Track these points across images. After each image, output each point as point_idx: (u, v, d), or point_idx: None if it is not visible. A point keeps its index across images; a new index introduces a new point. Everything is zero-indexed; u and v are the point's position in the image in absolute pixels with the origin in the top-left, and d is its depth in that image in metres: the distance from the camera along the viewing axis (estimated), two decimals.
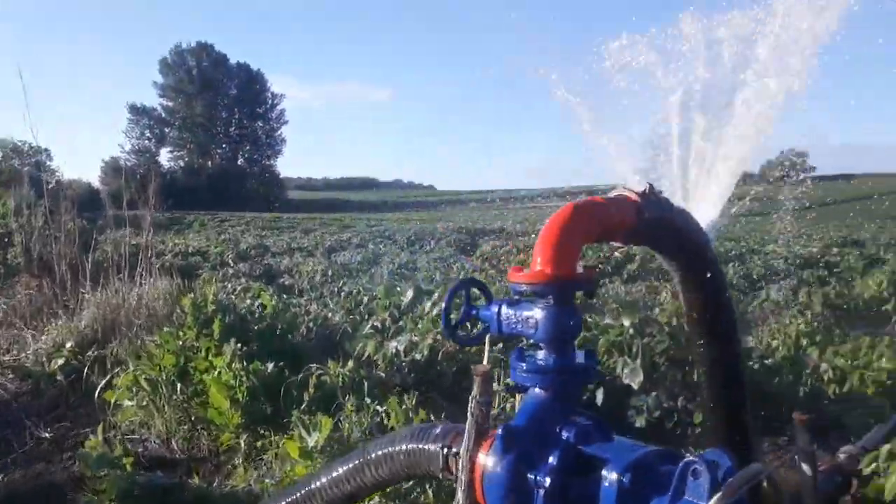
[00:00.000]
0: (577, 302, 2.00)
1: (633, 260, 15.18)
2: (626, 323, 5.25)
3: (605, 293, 12.15)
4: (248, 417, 4.79)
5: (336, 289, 10.59)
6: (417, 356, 5.61)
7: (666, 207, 2.24)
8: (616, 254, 16.73)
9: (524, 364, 1.89)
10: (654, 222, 2.18)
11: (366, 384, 4.69)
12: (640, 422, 4.92)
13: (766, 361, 5.32)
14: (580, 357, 2.01)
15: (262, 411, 4.82)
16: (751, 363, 5.20)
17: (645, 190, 2.17)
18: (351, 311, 8.06)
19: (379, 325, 6.70)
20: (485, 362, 2.27)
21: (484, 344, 2.32)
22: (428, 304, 7.35)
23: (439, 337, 5.74)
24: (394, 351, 5.86)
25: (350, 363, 4.85)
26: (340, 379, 4.63)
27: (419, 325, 6.29)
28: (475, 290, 2.32)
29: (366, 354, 6.40)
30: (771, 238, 22.17)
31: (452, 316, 2.25)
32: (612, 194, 2.17)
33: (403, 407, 4.03)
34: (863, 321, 9.80)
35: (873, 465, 3.72)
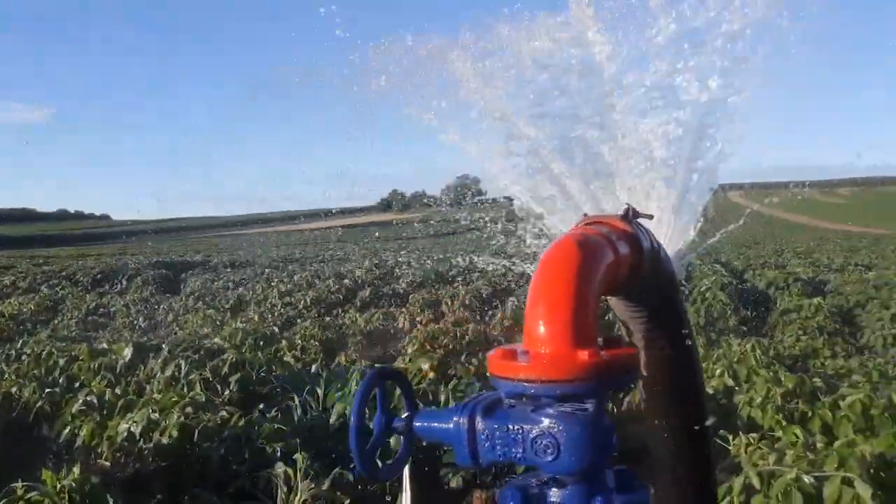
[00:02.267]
0: None
1: (363, 286, 14.68)
2: (425, 366, 4.55)
3: (345, 324, 11.39)
4: None
5: (12, 350, 8.19)
6: (164, 439, 4.24)
7: (651, 236, 1.55)
8: (346, 280, 16.14)
9: None
10: (649, 258, 1.48)
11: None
12: (455, 482, 4.23)
13: None
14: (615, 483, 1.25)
15: None
16: None
17: (628, 211, 1.45)
18: (43, 381, 6.14)
19: (94, 400, 5.07)
20: None
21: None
22: (157, 364, 5.88)
23: (191, 409, 4.44)
24: (125, 434, 4.40)
25: (75, 472, 3.36)
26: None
27: (155, 396, 4.88)
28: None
29: (79, 442, 4.82)
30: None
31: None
32: (582, 223, 1.44)
33: None
34: None
35: (727, 500, 3.50)
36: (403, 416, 1.38)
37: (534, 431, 1.17)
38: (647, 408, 2.03)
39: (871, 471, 3.11)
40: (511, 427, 1.20)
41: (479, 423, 1.23)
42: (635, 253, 1.36)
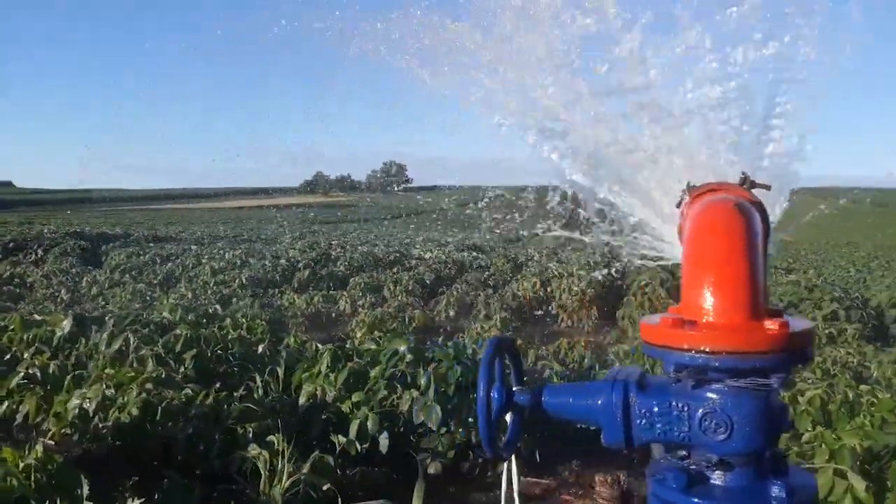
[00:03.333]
0: None
1: (300, 268, 14.30)
2: (402, 348, 4.42)
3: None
4: None
5: None
6: (123, 417, 3.95)
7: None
8: (282, 260, 15.68)
9: (685, 495, 1.10)
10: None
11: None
12: (434, 468, 4.13)
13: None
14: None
15: None
16: None
17: (745, 180, 1.43)
18: None
19: (38, 373, 4.69)
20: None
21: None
22: (101, 338, 5.50)
23: (150, 386, 4.15)
24: (78, 411, 4.09)
25: (38, 450, 3.06)
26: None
27: (108, 370, 4.55)
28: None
29: (19, 418, 4.47)
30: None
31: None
32: (701, 189, 1.40)
33: None
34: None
35: None
36: (518, 389, 1.28)
37: (702, 409, 1.10)
38: None
39: (858, 462, 3.20)
40: (675, 404, 1.12)
41: (635, 400, 1.15)
42: (766, 222, 1.30)
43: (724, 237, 1.14)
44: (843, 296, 8.75)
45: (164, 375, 4.38)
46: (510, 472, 1.35)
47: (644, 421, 1.14)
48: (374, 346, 4.81)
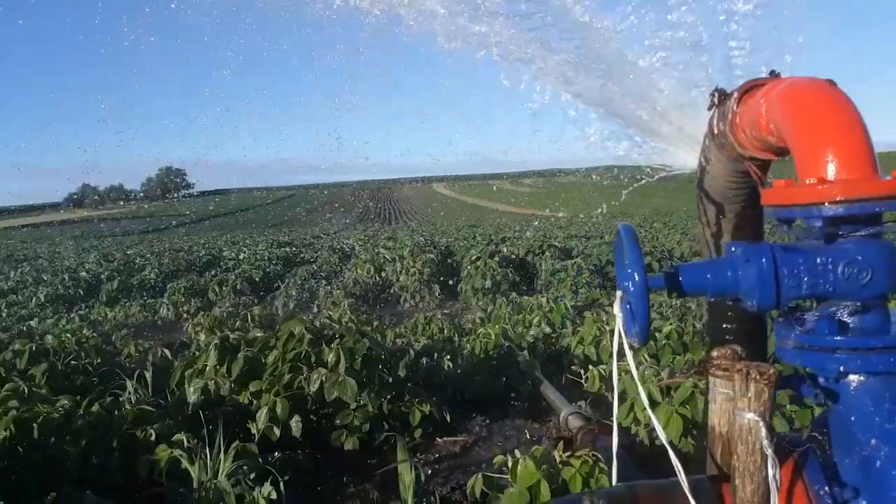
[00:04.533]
0: None
1: (103, 280, 12.92)
2: (299, 329, 4.24)
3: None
4: None
5: None
6: None
7: None
8: (82, 273, 14.09)
9: (841, 336, 1.22)
10: None
11: None
12: (350, 444, 4.04)
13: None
14: None
15: None
16: None
17: (774, 74, 1.63)
18: None
19: None
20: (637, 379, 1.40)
21: None
22: None
23: (17, 403, 3.57)
24: None
25: None
26: None
27: None
28: None
29: None
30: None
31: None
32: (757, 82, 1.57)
33: None
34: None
35: (631, 415, 3.85)
36: (649, 275, 1.34)
37: (844, 259, 1.23)
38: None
39: None
40: (819, 259, 1.24)
41: (782, 262, 1.25)
42: None
43: (836, 105, 1.27)
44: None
45: (25, 390, 3.82)
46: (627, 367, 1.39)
47: (791, 280, 1.23)
48: (260, 334, 4.56)
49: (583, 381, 5.10)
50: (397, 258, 11.93)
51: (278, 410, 3.90)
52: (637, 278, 1.25)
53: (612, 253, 11.09)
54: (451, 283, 10.83)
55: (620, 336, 1.33)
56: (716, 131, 1.60)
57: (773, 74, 1.50)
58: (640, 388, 1.44)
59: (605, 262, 10.26)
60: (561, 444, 3.33)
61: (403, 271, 11.06)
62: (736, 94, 1.49)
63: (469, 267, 10.58)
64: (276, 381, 4.04)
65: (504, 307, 7.70)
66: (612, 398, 1.53)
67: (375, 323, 7.82)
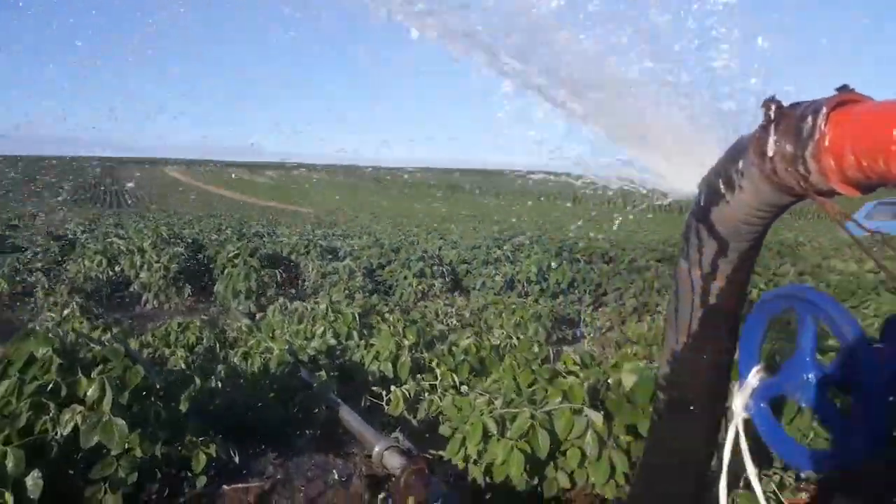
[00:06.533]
0: None
1: None
2: (44, 350, 3.17)
3: None
4: None
5: None
6: None
7: None
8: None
9: None
10: None
11: None
12: (112, 501, 3.11)
13: None
14: None
15: None
16: None
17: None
18: None
19: None
20: None
21: None
22: None
23: None
24: None
25: None
26: None
27: None
28: None
29: None
30: None
31: None
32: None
33: None
34: None
35: (462, 452, 3.47)
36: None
37: None
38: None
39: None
40: None
41: None
42: None
43: None
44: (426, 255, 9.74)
45: None
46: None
47: None
48: None
49: (383, 402, 4.64)
50: (136, 250, 10.39)
51: (9, 465, 2.86)
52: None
53: (383, 256, 10.81)
54: (203, 282, 9.66)
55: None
56: (770, 153, 1.24)
57: (846, 89, 1.19)
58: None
59: (376, 265, 9.91)
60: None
61: (145, 266, 9.63)
62: (825, 110, 1.14)
63: (227, 265, 9.52)
64: (9, 425, 2.97)
65: (276, 313, 6.96)
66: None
67: (116, 329, 6.60)
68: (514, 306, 7.41)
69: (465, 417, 3.62)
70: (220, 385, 4.37)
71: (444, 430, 3.94)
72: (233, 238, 12.42)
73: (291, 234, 14.97)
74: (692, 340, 1.64)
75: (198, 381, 3.71)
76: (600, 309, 8.78)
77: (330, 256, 10.89)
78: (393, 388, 4.61)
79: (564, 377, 3.67)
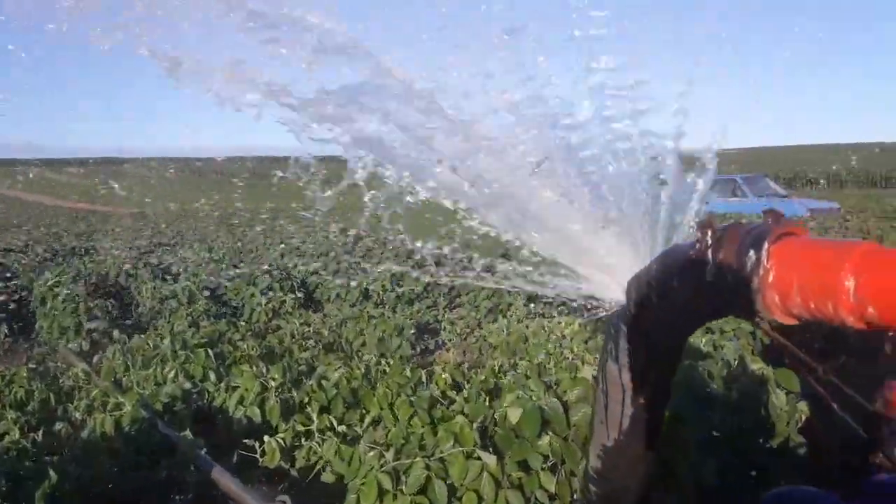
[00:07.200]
0: None
1: None
2: None
3: None
4: None
5: None
6: None
7: None
8: None
9: None
10: None
11: None
12: None
13: None
14: None
15: None
16: None
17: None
18: None
19: None
20: None
21: None
22: None
23: None
24: None
25: None
26: None
27: None
28: None
29: None
30: None
31: None
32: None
33: None
34: None
35: None
36: None
37: None
38: None
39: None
40: None
41: None
42: None
43: None
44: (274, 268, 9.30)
45: None
46: None
47: None
48: None
49: (257, 454, 4.37)
50: None
51: None
52: None
53: (223, 271, 10.20)
54: (21, 316, 8.57)
55: None
56: (709, 278, 1.25)
57: (773, 214, 1.22)
58: None
59: (217, 284, 9.31)
60: None
61: None
62: (767, 246, 1.15)
63: (47, 297, 8.52)
64: None
65: (116, 355, 6.33)
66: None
67: None
68: (374, 321, 7.30)
69: (354, 472, 3.50)
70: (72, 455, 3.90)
71: (327, 476, 3.81)
72: (45, 260, 11.17)
73: (113, 248, 13.74)
74: (623, 437, 1.66)
75: (53, 475, 3.26)
76: (455, 310, 8.91)
77: (166, 277, 10.10)
78: (266, 438, 4.35)
79: (452, 416, 3.65)
